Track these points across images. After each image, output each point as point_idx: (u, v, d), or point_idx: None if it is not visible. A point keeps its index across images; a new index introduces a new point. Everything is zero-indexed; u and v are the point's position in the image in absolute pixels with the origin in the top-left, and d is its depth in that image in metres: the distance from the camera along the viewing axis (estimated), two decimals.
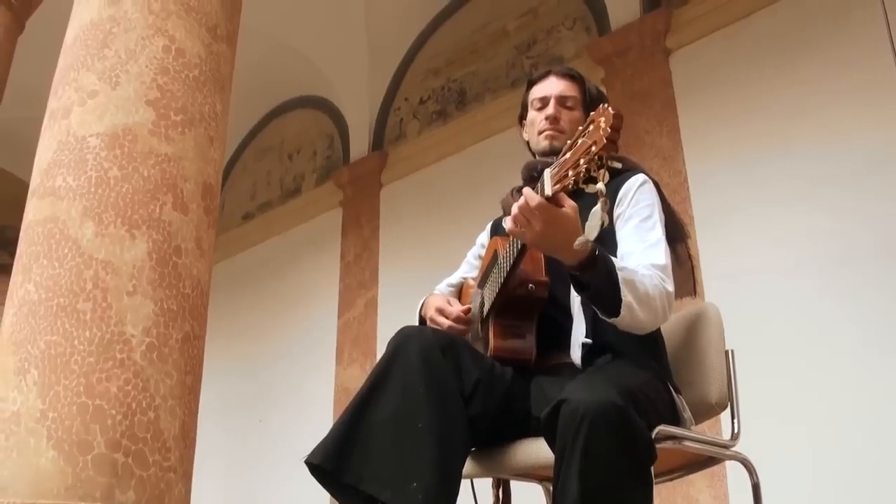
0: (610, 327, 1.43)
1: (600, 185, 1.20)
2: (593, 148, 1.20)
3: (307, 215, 5.69)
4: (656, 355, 1.52)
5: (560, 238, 1.32)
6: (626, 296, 1.35)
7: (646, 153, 3.97)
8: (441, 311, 1.68)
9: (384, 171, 5.33)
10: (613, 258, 1.41)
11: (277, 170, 6.17)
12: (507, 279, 1.51)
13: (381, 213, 5.22)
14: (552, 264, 1.54)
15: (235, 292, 5.88)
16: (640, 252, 1.47)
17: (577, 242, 1.27)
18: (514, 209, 1.35)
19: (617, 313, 1.36)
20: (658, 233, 1.51)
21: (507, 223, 1.37)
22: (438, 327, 1.66)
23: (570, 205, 1.32)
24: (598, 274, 1.35)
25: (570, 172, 1.23)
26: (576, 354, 1.51)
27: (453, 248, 4.41)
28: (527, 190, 1.34)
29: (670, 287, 1.43)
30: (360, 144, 5.51)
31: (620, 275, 1.36)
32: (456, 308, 1.68)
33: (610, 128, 1.18)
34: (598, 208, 1.21)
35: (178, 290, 1.87)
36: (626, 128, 3.96)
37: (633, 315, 1.37)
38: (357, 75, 5.54)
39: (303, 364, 5.21)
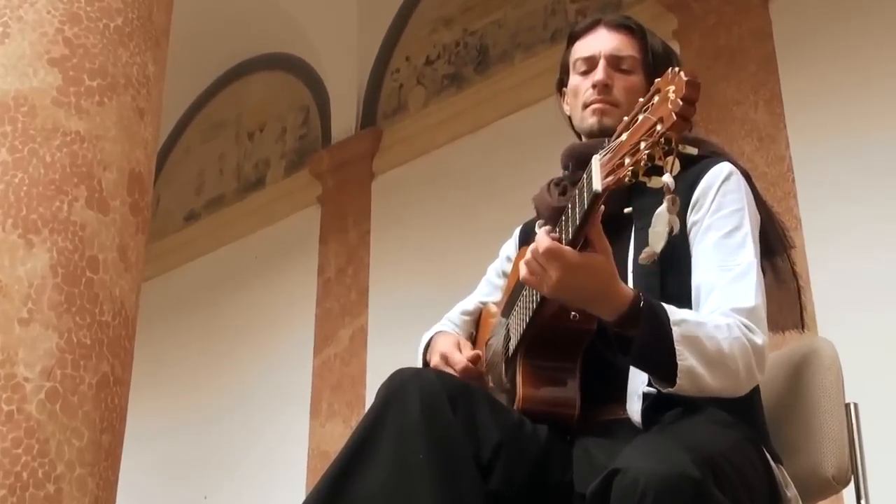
0: None
1: (668, 178, 1.19)
2: (659, 127, 1.19)
3: (273, 216, 5.72)
4: (747, 409, 1.50)
5: (588, 289, 1.34)
6: (687, 359, 1.35)
7: (734, 133, 3.96)
8: (446, 361, 1.69)
9: (377, 157, 5.36)
10: (669, 307, 1.40)
11: (233, 154, 6.22)
12: (541, 305, 1.51)
13: (373, 213, 5.24)
14: None
15: (174, 321, 5.92)
16: (723, 288, 1.46)
17: (642, 257, 1.27)
18: (527, 255, 1.38)
19: (672, 382, 1.36)
20: (748, 254, 1.50)
21: (521, 270, 1.40)
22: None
23: (603, 248, 1.34)
24: (643, 332, 1.36)
25: (627, 160, 1.22)
26: (634, 407, 1.51)
27: (469, 261, 4.36)
28: (539, 233, 1.36)
29: (760, 339, 1.42)
30: (344, 120, 5.54)
31: (678, 330, 1.36)
32: (465, 355, 1.69)
33: (682, 99, 1.18)
34: (663, 210, 1.21)
35: (92, 316, 1.88)
36: (706, 98, 3.96)
37: (697, 384, 1.36)
38: (342, 26, 5.58)
39: (266, 419, 5.23)
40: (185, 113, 6.57)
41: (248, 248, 5.79)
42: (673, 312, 1.38)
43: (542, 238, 1.35)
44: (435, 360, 1.72)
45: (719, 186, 1.56)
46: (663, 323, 1.36)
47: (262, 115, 6.14)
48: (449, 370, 1.67)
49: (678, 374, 1.35)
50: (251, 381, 5.36)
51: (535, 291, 1.53)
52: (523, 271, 1.39)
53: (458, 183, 4.89)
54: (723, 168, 1.60)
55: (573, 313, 1.52)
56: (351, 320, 5.06)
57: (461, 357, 1.69)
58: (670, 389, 1.37)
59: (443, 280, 4.54)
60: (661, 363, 1.36)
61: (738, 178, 1.60)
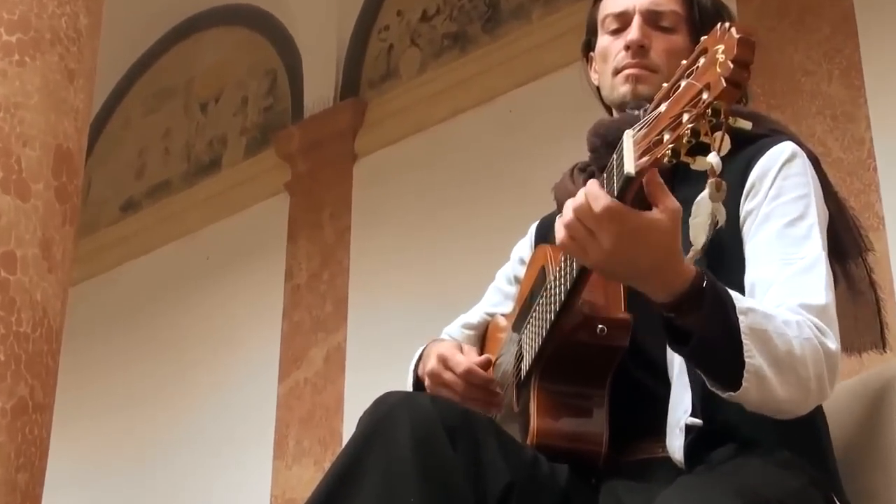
0: (731, 402, 1.42)
1: (713, 158, 1.20)
2: (705, 95, 1.20)
3: (230, 206, 5.72)
4: (814, 447, 1.52)
5: (645, 261, 1.34)
6: (754, 357, 1.36)
7: (803, 108, 3.97)
8: (445, 362, 1.71)
9: (360, 134, 5.36)
10: (734, 292, 1.41)
11: (182, 128, 6.22)
12: (560, 316, 1.54)
13: (355, 205, 5.24)
14: (638, 292, 1.55)
15: (107, 335, 5.92)
16: (784, 282, 1.48)
17: (690, 255, 1.28)
18: (568, 211, 1.36)
19: (736, 385, 1.37)
20: (815, 246, 1.52)
21: (559, 233, 1.38)
22: (445, 391, 1.69)
23: (668, 207, 1.33)
24: (705, 318, 1.35)
25: (667, 136, 1.23)
26: (675, 443, 1.52)
27: (474, 265, 4.33)
28: (591, 183, 1.35)
29: (833, 345, 1.44)
30: (321, 88, 5.55)
31: (745, 321, 1.37)
32: (469, 358, 1.70)
33: (733, 61, 1.19)
34: (705, 196, 1.22)
35: (7, 327, 1.88)
36: (769, 67, 3.97)
37: (764, 390, 1.37)
38: None
39: (219, 459, 5.22)
40: (124, 77, 6.57)
41: (200, 247, 5.79)
42: (738, 298, 1.39)
43: (595, 192, 1.33)
44: (430, 365, 1.73)
45: (780, 169, 1.58)
46: (728, 310, 1.36)
47: (219, 82, 6.14)
48: (448, 375, 1.69)
49: (745, 375, 1.35)
50: (201, 411, 5.36)
51: (553, 299, 1.55)
52: (561, 234, 1.37)
53: (460, 168, 4.90)
54: (785, 148, 1.61)
55: (601, 326, 1.53)
56: (325, 337, 5.06)
57: (464, 358, 1.70)
58: (732, 395, 1.38)
59: (441, 288, 4.54)
60: (726, 360, 1.36)
61: (802, 161, 1.61)
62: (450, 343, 1.79)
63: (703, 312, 1.35)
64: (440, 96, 5.08)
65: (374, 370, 4.55)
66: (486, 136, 4.87)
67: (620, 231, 1.31)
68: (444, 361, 1.72)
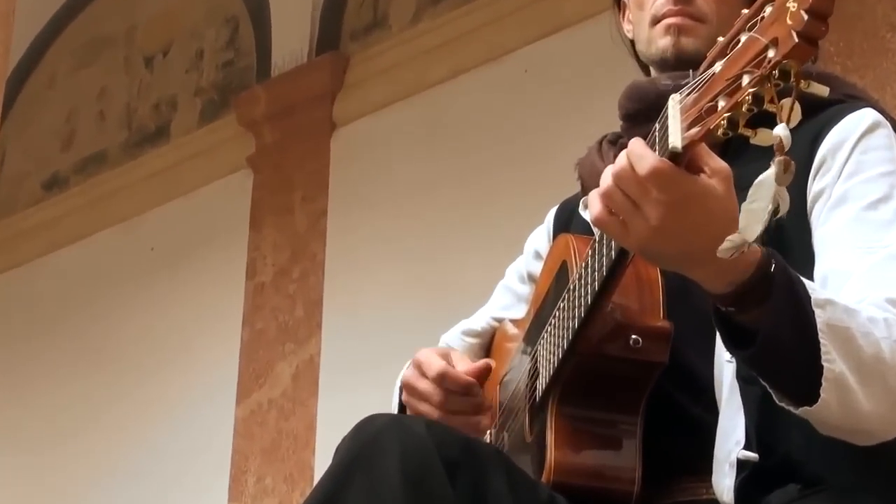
0: (797, 429, 1.44)
1: (782, 130, 1.20)
2: (771, 53, 1.20)
3: (181, 184, 5.72)
4: None
5: (701, 237, 1.32)
6: (835, 361, 1.36)
7: (888, 71, 3.97)
8: (419, 368, 1.73)
9: (340, 97, 5.35)
10: (807, 280, 1.41)
11: (121, 88, 6.21)
12: (585, 323, 1.55)
13: (333, 185, 5.24)
14: (680, 295, 1.55)
15: (27, 342, 5.91)
16: (865, 273, 1.49)
17: (722, 247, 1.27)
18: (606, 178, 1.36)
19: (812, 396, 1.36)
20: None
21: (593, 207, 1.38)
22: (422, 406, 1.71)
23: (718, 169, 1.33)
24: (773, 311, 1.35)
25: (722, 103, 1.24)
26: (724, 483, 1.52)
27: (478, 259, 4.37)
28: (634, 141, 1.36)
29: None
30: (292, 40, 5.55)
31: (822, 315, 1.37)
32: (459, 364, 1.72)
33: (808, 12, 1.18)
34: (769, 177, 1.22)
35: None
36: (843, 16, 3.96)
37: (846, 402, 1.36)
38: None
39: (164, 499, 5.20)
40: (49, 24, 6.55)
41: (142, 235, 5.78)
42: (812, 288, 1.39)
43: (640, 150, 1.33)
44: (405, 373, 1.75)
45: (857, 140, 1.59)
46: (803, 301, 1.36)
47: (167, 31, 6.13)
48: (421, 384, 1.71)
49: (823, 384, 1.35)
50: (140, 440, 5.34)
51: (577, 302, 1.56)
52: (597, 208, 1.37)
53: (463, 141, 4.89)
54: (864, 116, 1.61)
55: (634, 337, 1.54)
56: (295, 348, 5.05)
57: (440, 361, 1.72)
58: (805, 410, 1.38)
59: (439, 289, 4.55)
60: (798, 365, 1.37)
61: (887, 131, 1.62)
62: (434, 348, 1.80)
63: (770, 304, 1.35)
64: (438, 52, 5.07)
65: (355, 390, 4.52)
66: (496, 101, 4.86)
67: (671, 199, 1.31)
68: (418, 367, 1.73)
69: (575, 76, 4.52)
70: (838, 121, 1.61)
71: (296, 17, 5.56)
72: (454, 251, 4.67)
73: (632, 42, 1.84)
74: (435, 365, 1.72)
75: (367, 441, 1.46)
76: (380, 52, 5.29)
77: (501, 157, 4.73)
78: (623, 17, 1.87)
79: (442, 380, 1.70)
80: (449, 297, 4.13)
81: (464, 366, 1.74)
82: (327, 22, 5.50)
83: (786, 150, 1.22)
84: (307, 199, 5.28)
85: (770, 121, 1.22)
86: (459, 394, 1.71)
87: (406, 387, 1.76)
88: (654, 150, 1.33)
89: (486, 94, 4.91)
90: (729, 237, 1.25)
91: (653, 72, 1.79)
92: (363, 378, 4.46)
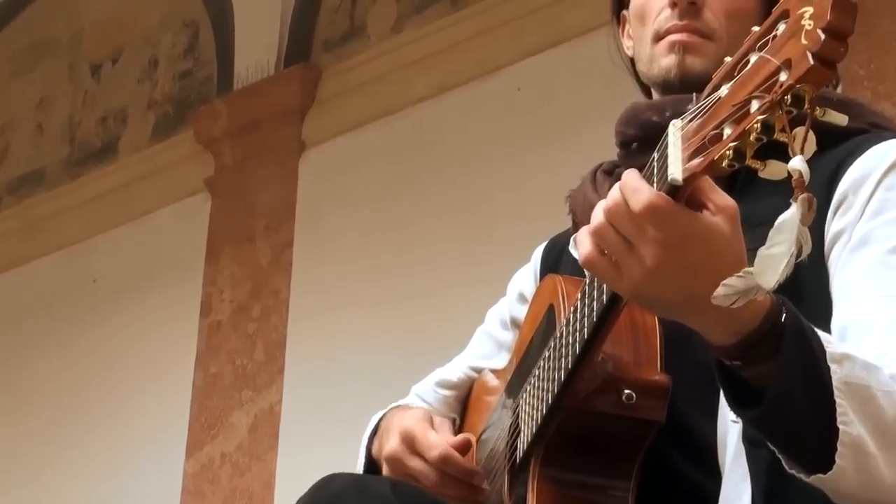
0: (809, 498, 1.42)
1: (800, 164, 1.20)
2: (783, 76, 1.19)
3: (130, 208, 5.73)
4: None
5: (702, 281, 1.31)
6: (852, 423, 1.35)
7: None
8: (411, 443, 1.71)
9: (311, 115, 5.38)
10: (822, 332, 1.40)
11: (65, 98, 6.22)
12: (572, 375, 1.55)
13: (300, 211, 5.26)
14: (680, 345, 1.55)
15: None
16: (889, 324, 1.48)
17: (718, 293, 1.26)
18: (597, 214, 1.36)
19: (826, 462, 1.35)
20: None
21: (582, 246, 1.38)
22: (409, 477, 1.69)
23: (724, 206, 1.33)
24: (784, 367, 1.35)
25: (729, 131, 1.24)
26: None
27: (460, 300, 4.36)
28: (629, 173, 1.36)
29: None
30: (258, 49, 5.57)
31: (839, 372, 1.36)
32: (442, 438, 1.71)
33: (826, 31, 1.18)
34: (791, 217, 1.21)
35: None
36: (873, 34, 3.99)
37: (865, 471, 1.35)
38: None
39: None
40: None
41: (84, 265, 5.78)
42: (828, 341, 1.39)
43: (635, 184, 1.33)
44: (391, 446, 1.74)
45: (883, 175, 1.58)
46: (817, 356, 1.36)
47: (118, 36, 6.14)
48: (416, 462, 1.69)
49: (839, 449, 1.34)
50: (77, 499, 5.31)
51: (565, 351, 1.55)
52: (586, 248, 1.37)
53: (446, 165, 4.91)
54: (891, 148, 1.61)
55: (628, 391, 1.54)
56: (253, 396, 5.05)
57: (438, 439, 1.71)
58: (819, 478, 1.37)
59: (416, 332, 4.55)
60: (811, 428, 1.36)
61: None
62: (417, 413, 1.79)
63: (780, 359, 1.34)
64: (421, 66, 5.09)
65: (319, 445, 4.53)
66: (485, 121, 4.87)
67: (669, 239, 1.31)
68: (409, 442, 1.72)
69: (573, 96, 4.54)
70: (861, 153, 1.61)
71: (263, 24, 5.58)
72: (435, 290, 4.67)
73: (632, 60, 1.86)
74: (435, 445, 1.71)
75: (325, 502, 1.48)
76: (356, 64, 5.31)
77: (490, 185, 4.74)
78: (623, 32, 1.89)
79: (443, 463, 1.70)
80: (428, 341, 4.12)
81: (448, 436, 1.74)
82: (298, 29, 5.53)
83: (805, 184, 1.22)
84: (271, 228, 5.28)
85: (782, 152, 1.22)
86: (459, 481, 1.70)
87: (392, 461, 1.75)
88: (652, 183, 1.33)
89: (474, 113, 4.92)
90: (725, 281, 1.24)
91: (654, 94, 1.80)
92: (329, 431, 4.46)
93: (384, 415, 1.88)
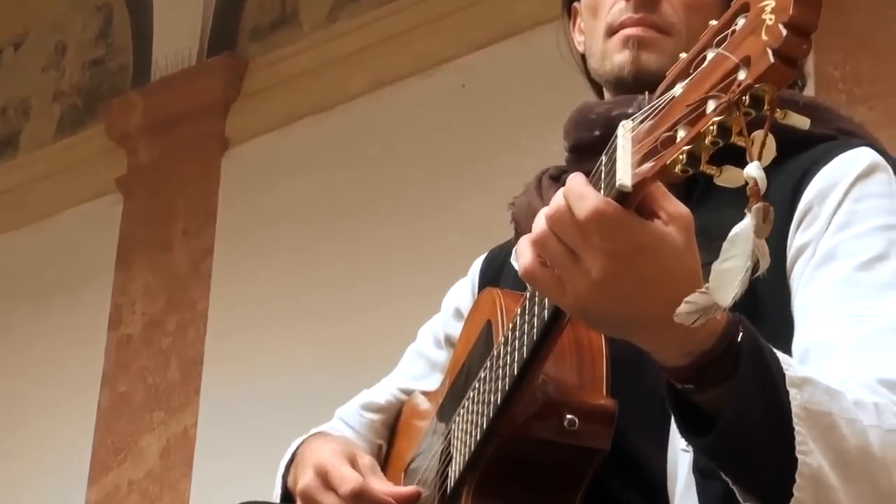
0: None
1: (755, 171, 1.20)
2: (742, 75, 1.20)
3: (32, 210, 5.71)
4: None
5: (648, 299, 1.33)
6: (812, 453, 1.36)
7: (886, 102, 4.01)
8: (325, 477, 1.72)
9: (236, 109, 5.38)
10: (781, 354, 1.40)
11: None
12: (509, 399, 1.55)
13: (222, 215, 5.26)
14: (628, 367, 1.56)
15: None
16: (855, 347, 1.50)
17: (680, 310, 1.26)
18: (539, 222, 1.37)
19: (783, 495, 1.36)
20: None
21: (523, 256, 1.39)
22: None
23: (677, 215, 1.34)
24: (739, 391, 1.35)
25: (682, 133, 1.24)
26: None
27: (396, 312, 4.32)
28: (573, 177, 1.36)
29: None
30: (178, 36, 5.55)
31: (799, 397, 1.37)
32: (378, 485, 1.71)
33: (788, 26, 1.18)
34: (745, 228, 1.22)
35: None
36: (850, 31, 4.00)
37: (825, 503, 1.36)
38: None
39: None
40: None
41: None
42: (787, 363, 1.39)
43: (580, 189, 1.32)
44: (305, 480, 1.74)
45: (850, 186, 1.60)
46: (775, 380, 1.36)
47: (21, 19, 6.11)
48: (326, 498, 1.70)
49: (797, 481, 1.34)
50: None
51: (502, 372, 1.55)
52: (527, 258, 1.36)
53: (383, 167, 4.91)
54: (859, 157, 1.63)
55: (570, 417, 1.53)
56: (166, 419, 5.03)
57: (352, 474, 1.71)
58: None
59: (346, 349, 4.55)
60: (767, 458, 1.36)
61: (886, 176, 1.63)
62: (335, 445, 1.79)
63: (736, 382, 1.34)
64: (358, 58, 5.09)
65: (237, 472, 4.50)
66: (426, 120, 4.88)
67: (617, 250, 1.30)
68: (322, 476, 1.72)
69: (523, 94, 4.55)
70: (828, 161, 1.63)
71: (184, 8, 5.57)
72: (370, 306, 4.67)
73: (583, 57, 1.86)
74: (349, 479, 1.71)
75: None
76: (286, 55, 5.31)
77: (430, 189, 4.75)
78: (574, 25, 1.89)
79: (357, 498, 1.70)
80: (361, 362, 4.10)
81: (382, 485, 1.73)
82: (223, 16, 5.52)
83: (761, 193, 1.22)
84: (189, 233, 5.27)
85: (741, 158, 1.22)
86: None
87: (305, 498, 1.75)
88: (599, 189, 1.33)
89: (415, 112, 4.93)
90: (688, 298, 1.24)
91: (606, 93, 1.81)
92: (249, 458, 4.42)
93: (303, 441, 1.88)
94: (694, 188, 1.57)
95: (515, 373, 1.52)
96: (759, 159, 1.21)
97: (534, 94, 4.40)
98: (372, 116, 5.03)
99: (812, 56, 3.92)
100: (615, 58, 1.75)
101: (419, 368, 1.97)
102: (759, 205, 1.20)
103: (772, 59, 1.18)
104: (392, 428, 1.95)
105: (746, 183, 1.21)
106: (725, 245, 1.21)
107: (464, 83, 4.84)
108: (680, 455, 1.56)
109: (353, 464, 1.75)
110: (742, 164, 1.22)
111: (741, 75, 1.20)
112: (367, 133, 5.02)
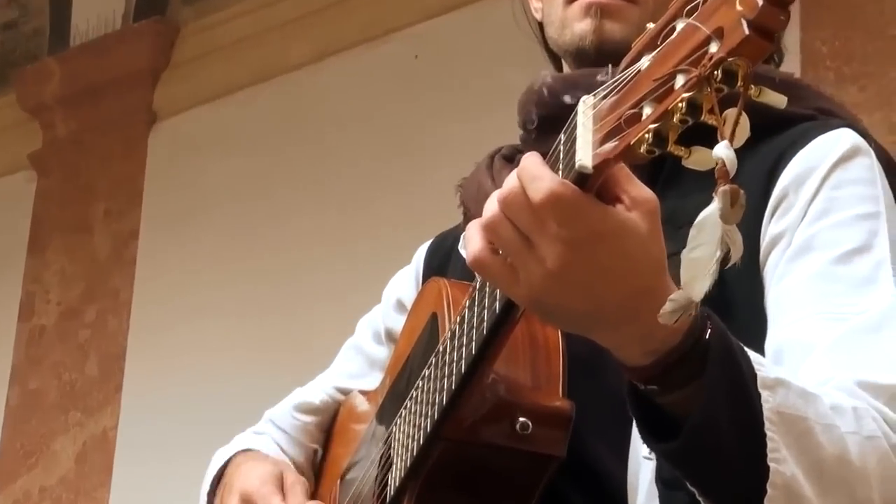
0: None
1: (724, 151, 1.20)
2: (713, 47, 1.20)
3: None
4: None
5: (609, 290, 1.33)
6: (785, 461, 1.36)
7: (878, 82, 4.03)
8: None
9: (165, 80, 5.39)
10: (753, 353, 1.41)
11: None
12: (456, 400, 1.55)
13: (148, 194, 5.25)
14: (588, 366, 1.56)
15: None
16: (833, 346, 1.51)
17: (665, 310, 1.27)
18: (491, 205, 1.36)
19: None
20: (886, 293, 1.56)
21: (472, 243, 1.39)
22: None
23: (641, 199, 1.33)
24: (707, 393, 1.36)
25: (649, 110, 1.24)
26: None
27: (339, 301, 4.33)
28: (528, 157, 1.35)
29: None
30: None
31: (772, 400, 1.37)
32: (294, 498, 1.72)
33: None
34: (712, 214, 1.22)
35: None
36: (842, 10, 4.02)
37: None
38: None
39: None
40: None
41: None
42: (759, 364, 1.39)
43: (535, 170, 1.32)
44: None
45: (829, 171, 1.62)
46: (746, 381, 1.37)
47: None
48: None
49: (768, 492, 1.35)
50: None
51: (448, 370, 1.55)
52: (476, 245, 1.36)
53: (325, 144, 4.92)
54: (839, 139, 1.64)
55: (522, 420, 1.53)
56: (83, 419, 5.03)
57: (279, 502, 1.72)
58: None
59: (282, 343, 4.56)
60: (737, 466, 1.37)
61: (868, 161, 1.64)
62: (264, 471, 1.80)
63: (703, 383, 1.34)
64: (300, 26, 5.10)
65: (161, 478, 4.52)
66: (374, 94, 4.89)
67: (575, 237, 1.29)
68: (247, 500, 1.75)
69: (478, 66, 4.56)
70: (805, 143, 1.63)
71: None
72: (309, 297, 4.70)
73: (541, 25, 1.86)
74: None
75: None
76: (221, 20, 5.31)
77: (379, 170, 4.76)
78: None
79: None
80: (299, 358, 4.10)
81: (297, 495, 1.75)
82: None
83: (731, 176, 1.22)
84: (112, 214, 5.27)
85: (712, 138, 1.23)
86: None
87: None
88: (557, 171, 1.32)
89: (361, 84, 4.93)
90: (672, 296, 1.24)
91: (566, 65, 1.81)
92: (173, 463, 4.44)
93: (230, 460, 1.88)
94: (661, 171, 1.57)
95: (463, 371, 1.52)
96: (733, 140, 1.22)
97: (491, 67, 4.40)
98: (315, 89, 5.04)
99: (798, 30, 3.95)
100: (576, 27, 1.75)
101: (357, 366, 1.97)
102: (727, 187, 1.20)
103: (746, 31, 1.18)
104: (328, 431, 1.95)
105: (717, 163, 1.22)
106: (692, 232, 1.21)
107: (416, 54, 4.85)
108: (642, 463, 1.56)
109: (279, 482, 1.76)
110: (713, 145, 1.21)
111: (713, 48, 1.20)
112: (309, 107, 5.03)
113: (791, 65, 3.08)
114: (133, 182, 5.28)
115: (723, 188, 1.20)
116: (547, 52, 1.87)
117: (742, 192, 1.20)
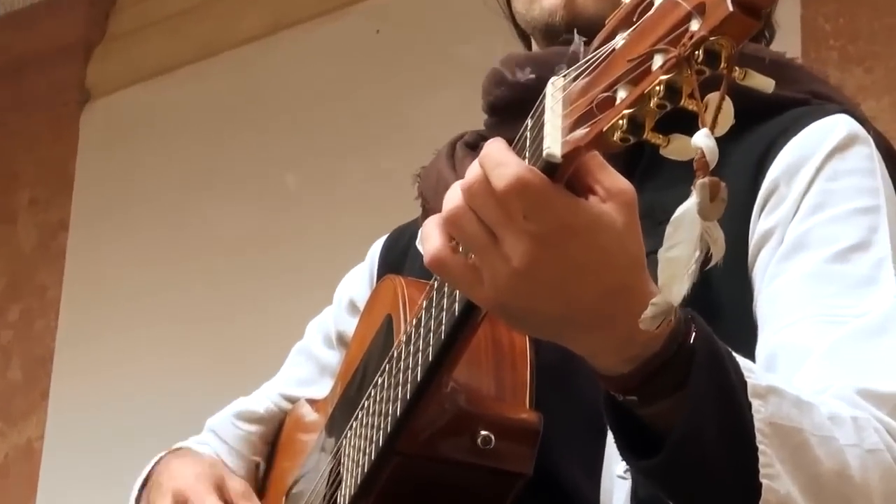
0: None
1: (703, 139, 1.20)
2: (695, 25, 1.21)
3: None
4: None
5: (583, 290, 1.33)
6: (779, 477, 1.37)
7: (887, 63, 4.05)
8: None
9: (99, 55, 5.40)
10: (742, 359, 1.42)
11: None
12: (411, 410, 1.56)
13: (79, 181, 5.27)
14: (558, 375, 1.57)
15: None
16: (830, 351, 1.53)
17: (646, 315, 1.27)
18: (453, 197, 1.36)
19: None
20: (887, 294, 1.58)
21: (430, 239, 1.39)
22: None
23: (617, 190, 1.34)
24: (692, 404, 1.36)
25: (623, 94, 1.25)
26: None
27: (287, 303, 4.33)
28: (492, 143, 1.35)
29: None
30: None
31: (764, 410, 1.38)
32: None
33: None
34: (689, 209, 1.23)
35: None
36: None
37: None
38: None
39: None
40: None
41: None
42: (750, 370, 1.40)
43: (501, 156, 1.31)
44: None
45: (823, 161, 1.63)
46: (735, 389, 1.37)
47: None
48: None
49: None
50: None
51: (403, 378, 1.56)
52: (434, 241, 1.36)
53: (277, 126, 4.93)
54: (834, 126, 1.65)
55: (485, 433, 1.54)
56: (6, 429, 5.06)
57: None
58: None
59: (226, 346, 4.58)
60: (726, 480, 1.38)
61: (867, 150, 1.66)
62: (199, 468, 1.81)
63: (688, 392, 1.35)
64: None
65: (90, 492, 4.52)
66: (331, 70, 4.91)
67: (544, 231, 1.30)
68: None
69: (444, 43, 4.58)
70: (797, 131, 1.65)
71: None
72: (257, 295, 4.70)
73: (507, 2, 1.88)
74: None
75: None
76: None
77: (335, 155, 4.78)
78: None
79: None
80: (240, 361, 4.13)
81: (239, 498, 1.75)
82: None
83: (711, 167, 1.22)
84: (39, 203, 5.28)
85: (690, 124, 1.23)
86: None
87: None
88: (524, 158, 1.33)
89: (317, 60, 4.95)
90: (654, 300, 1.24)
91: (535, 44, 1.82)
92: (104, 477, 4.42)
93: (160, 460, 1.89)
94: (639, 161, 1.58)
95: (419, 378, 1.52)
96: (713, 127, 1.22)
97: (457, 44, 4.41)
98: (266, 65, 5.05)
99: (798, 6, 3.96)
100: (545, 1, 1.76)
101: (306, 372, 1.98)
102: (705, 180, 1.20)
103: (730, 7, 1.19)
104: (272, 443, 1.96)
105: (697, 153, 1.22)
106: (669, 229, 1.22)
107: (378, 28, 4.86)
108: (616, 482, 1.57)
109: (221, 490, 1.77)
110: (694, 132, 1.22)
111: (694, 25, 1.21)
112: (259, 85, 5.05)
113: (790, 44, 3.08)
114: (62, 168, 5.27)
115: (701, 181, 1.20)
116: (515, 28, 1.88)
117: (723, 185, 1.20)
